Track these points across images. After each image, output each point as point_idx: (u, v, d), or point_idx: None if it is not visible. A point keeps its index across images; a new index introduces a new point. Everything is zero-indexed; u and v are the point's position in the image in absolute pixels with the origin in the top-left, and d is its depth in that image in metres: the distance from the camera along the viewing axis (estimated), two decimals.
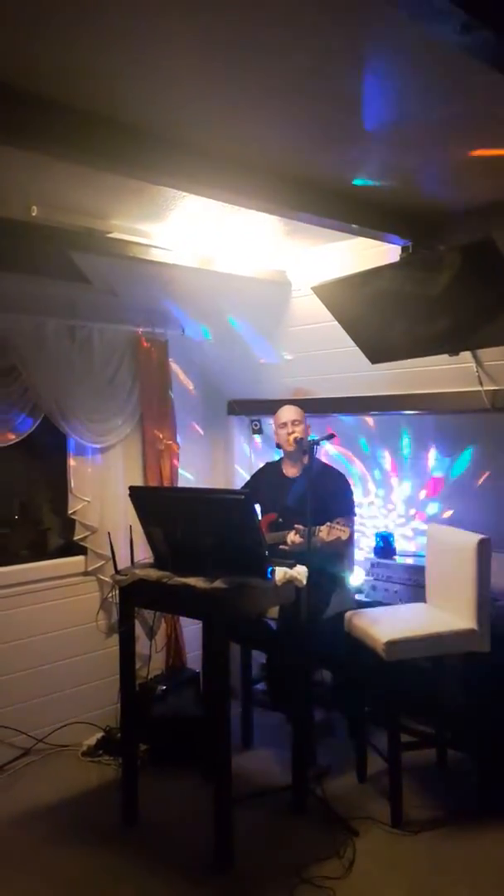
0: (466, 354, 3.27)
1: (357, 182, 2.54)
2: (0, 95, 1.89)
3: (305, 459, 3.58)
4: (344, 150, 2.30)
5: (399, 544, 4.03)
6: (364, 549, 4.13)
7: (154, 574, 2.94)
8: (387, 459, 4.13)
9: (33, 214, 2.81)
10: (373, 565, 3.91)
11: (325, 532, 3.27)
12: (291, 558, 3.10)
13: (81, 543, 3.93)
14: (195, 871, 2.78)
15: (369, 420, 4.16)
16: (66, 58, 1.74)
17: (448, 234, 2.87)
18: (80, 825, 3.12)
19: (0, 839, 3.04)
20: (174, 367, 4.35)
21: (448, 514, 3.86)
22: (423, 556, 3.63)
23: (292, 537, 3.38)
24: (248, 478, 4.17)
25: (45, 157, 2.20)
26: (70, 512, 3.89)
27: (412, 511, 4.06)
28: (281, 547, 3.41)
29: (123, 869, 2.82)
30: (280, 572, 2.90)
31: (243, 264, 3.63)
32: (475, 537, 3.14)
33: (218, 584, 2.74)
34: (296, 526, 3.39)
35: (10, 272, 3.51)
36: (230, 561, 2.84)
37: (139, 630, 3.38)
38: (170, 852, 2.91)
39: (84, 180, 2.57)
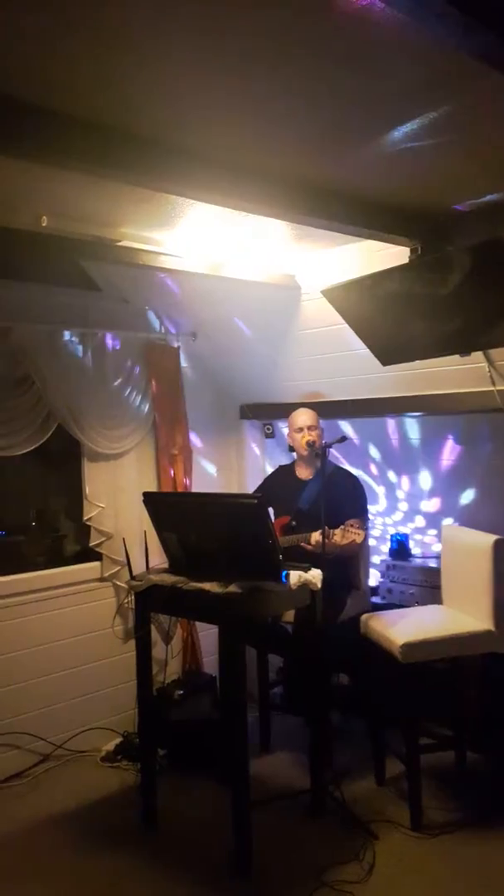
0: (478, 354, 3.25)
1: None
2: (7, 107, 1.91)
3: (318, 462, 3.58)
4: (350, 154, 2.31)
5: (414, 546, 4.02)
6: (379, 551, 4.12)
7: (169, 579, 2.95)
8: (400, 460, 4.12)
9: (43, 224, 2.83)
10: (388, 567, 3.90)
11: (339, 535, 3.27)
12: (306, 562, 3.10)
13: (97, 550, 3.95)
14: (215, 875, 2.78)
15: (382, 422, 4.15)
16: (73, 69, 1.76)
17: (457, 235, 2.86)
18: (100, 830, 3.13)
19: (20, 845, 3.06)
20: (186, 372, 4.37)
21: (463, 514, 3.85)
22: (438, 558, 3.62)
23: (316, 537, 3.37)
24: (261, 482, 4.18)
25: (53, 167, 2.22)
26: (85, 518, 3.92)
27: (427, 512, 4.04)
28: (306, 546, 3.40)
29: (143, 873, 2.83)
30: (295, 576, 2.91)
31: (253, 269, 3.64)
32: (491, 538, 3.13)
33: (232, 588, 2.75)
34: (324, 528, 3.37)
35: (22, 281, 3.54)
36: (245, 565, 2.85)
37: (155, 635, 3.40)
38: (189, 856, 2.92)
39: (93, 189, 2.59)
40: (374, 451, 4.24)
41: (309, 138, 2.18)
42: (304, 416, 3.75)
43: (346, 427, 4.28)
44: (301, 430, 3.72)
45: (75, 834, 3.12)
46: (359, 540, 3.29)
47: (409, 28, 1.50)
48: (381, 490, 4.23)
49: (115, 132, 2.09)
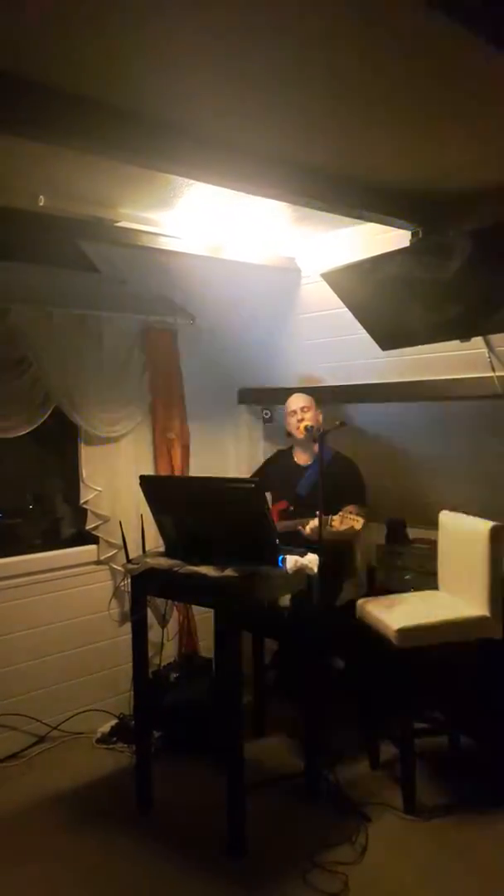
0: (478, 340, 3.23)
1: None
2: (5, 85, 1.88)
3: (316, 448, 3.57)
4: (351, 135, 2.27)
5: (411, 531, 4.02)
6: (376, 535, 4.12)
7: (165, 563, 2.95)
8: (398, 446, 4.11)
9: (40, 204, 2.80)
10: (385, 552, 3.90)
11: (338, 522, 3.26)
12: (303, 546, 3.10)
13: (94, 532, 3.95)
14: (209, 856, 2.80)
15: (381, 407, 4.13)
16: (73, 47, 1.72)
17: (458, 219, 2.83)
18: (95, 811, 3.15)
19: (15, 825, 3.08)
20: (184, 355, 4.34)
21: (461, 500, 3.84)
22: (435, 544, 3.61)
23: (312, 524, 3.36)
24: (258, 466, 4.17)
25: (51, 146, 2.19)
26: (82, 501, 3.91)
27: (425, 498, 4.03)
28: (300, 528, 3.39)
29: (137, 855, 2.85)
30: (291, 560, 2.90)
31: (252, 252, 3.61)
32: (487, 524, 3.13)
33: (229, 572, 2.75)
34: (318, 513, 3.37)
35: (20, 262, 3.51)
36: (241, 549, 2.84)
37: (152, 618, 3.40)
38: (183, 838, 2.94)
39: (91, 168, 2.55)
40: (372, 437, 4.22)
41: (310, 118, 2.15)
42: (299, 399, 3.74)
43: (343, 412, 4.25)
44: (295, 412, 3.71)
45: (70, 815, 3.14)
46: (357, 527, 3.28)
47: (411, 6, 1.47)
48: (378, 474, 4.21)
49: (113, 110, 2.06)
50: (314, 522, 3.35)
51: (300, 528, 3.41)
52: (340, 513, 3.28)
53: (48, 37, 1.68)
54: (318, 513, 3.28)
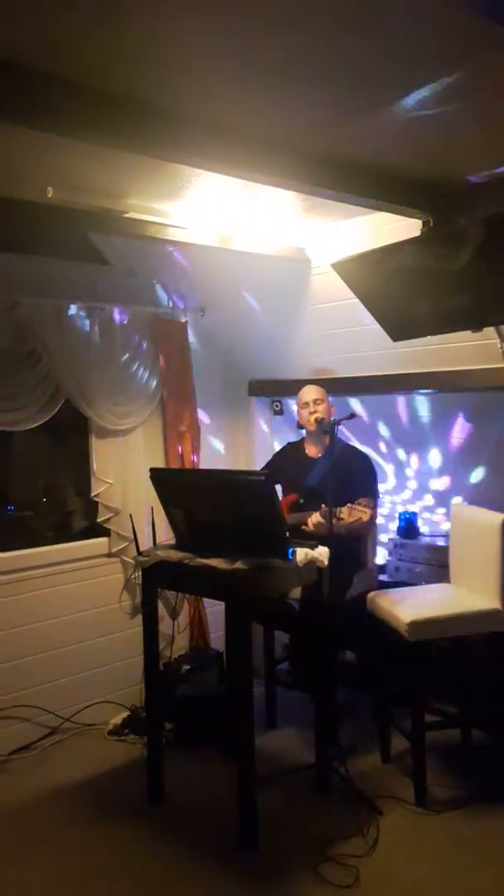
0: (490, 331, 3.20)
1: None
2: (14, 75, 1.87)
3: (327, 440, 3.55)
4: (362, 123, 2.25)
5: (423, 524, 3.99)
6: (388, 529, 4.10)
7: (175, 555, 2.95)
8: (410, 438, 4.08)
9: (49, 196, 2.79)
10: (396, 545, 3.88)
11: (346, 513, 3.25)
12: (314, 539, 3.09)
13: (105, 525, 3.95)
14: (220, 848, 2.80)
15: (392, 398, 4.11)
16: (80, 36, 1.71)
17: (469, 208, 2.80)
18: (106, 803, 3.17)
19: (27, 817, 3.09)
20: (194, 347, 4.33)
21: (473, 493, 3.82)
22: (447, 536, 3.59)
23: (314, 519, 3.36)
24: (269, 458, 4.16)
25: (59, 136, 2.18)
26: (93, 494, 3.91)
27: (436, 490, 4.01)
28: (303, 527, 3.39)
29: (149, 846, 2.86)
30: (301, 553, 2.89)
31: (262, 242, 3.59)
32: (499, 516, 3.10)
33: (239, 565, 2.74)
34: (321, 507, 3.37)
35: (30, 255, 3.50)
36: (251, 542, 2.83)
37: (162, 610, 3.40)
38: (195, 830, 2.94)
39: (99, 159, 2.54)
40: (383, 429, 4.20)
41: (320, 106, 2.13)
42: (311, 391, 3.72)
43: (355, 404, 4.24)
44: (308, 404, 3.69)
45: (82, 806, 3.15)
46: (365, 518, 3.27)
47: None
48: (390, 468, 4.20)
49: (122, 100, 2.05)
50: (316, 516, 3.35)
51: (303, 526, 3.39)
52: (349, 504, 3.27)
53: (56, 27, 1.67)
54: (321, 506, 3.28)
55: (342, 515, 3.24)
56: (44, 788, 3.29)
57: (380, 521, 4.01)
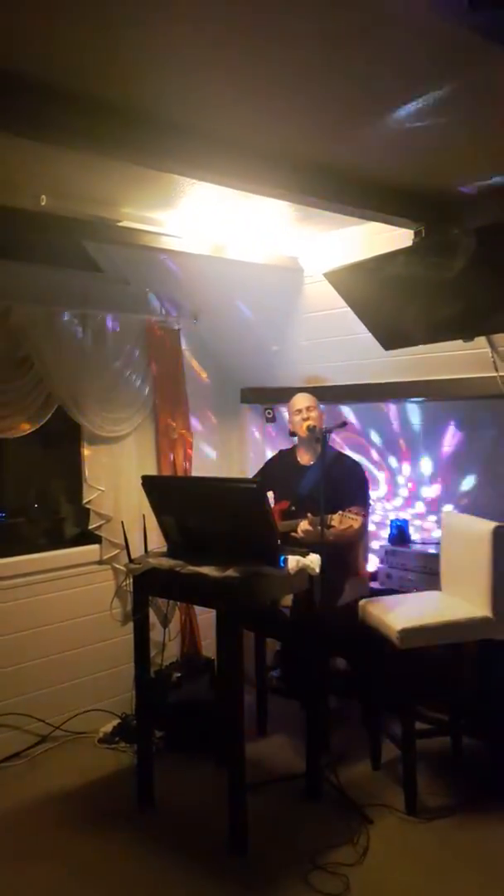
0: (481, 340, 3.23)
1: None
2: (9, 85, 1.88)
3: (319, 447, 3.56)
4: (354, 134, 2.27)
5: (414, 532, 4.01)
6: (379, 536, 4.11)
7: (167, 563, 2.95)
8: (401, 446, 4.10)
9: (42, 204, 2.80)
10: (387, 553, 3.89)
11: (337, 520, 3.26)
12: (304, 546, 3.09)
13: (96, 532, 3.95)
14: (210, 856, 2.80)
15: (383, 407, 4.13)
16: (75, 46, 1.72)
17: (461, 218, 2.83)
18: (97, 811, 3.15)
19: (17, 824, 3.08)
20: (187, 355, 4.34)
21: (463, 501, 3.84)
22: (437, 544, 3.61)
23: (303, 526, 3.37)
24: (261, 466, 4.16)
25: (53, 145, 2.19)
26: (85, 501, 3.91)
27: (427, 498, 4.03)
28: (292, 534, 3.40)
29: (139, 854, 2.85)
30: (293, 561, 2.90)
31: (255, 251, 3.61)
32: (490, 525, 3.12)
33: (230, 572, 2.74)
34: (308, 515, 3.38)
35: (23, 262, 3.51)
36: (243, 549, 2.84)
37: (154, 618, 3.40)
38: (185, 838, 2.93)
39: (93, 168, 2.56)
40: (375, 437, 4.22)
41: (313, 117, 2.15)
42: (303, 399, 3.74)
43: (347, 412, 4.25)
44: (299, 411, 3.70)
45: (72, 814, 3.14)
46: (356, 525, 3.28)
47: (416, 4, 1.47)
48: (381, 476, 4.21)
49: (115, 109, 2.06)
50: (304, 524, 3.36)
51: (292, 533, 3.40)
52: (340, 512, 3.28)
53: (50, 36, 1.68)
54: (308, 514, 3.29)
55: (333, 523, 3.25)
56: (34, 796, 3.27)
57: (371, 528, 4.02)
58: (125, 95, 2.01)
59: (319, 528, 3.16)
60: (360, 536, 3.66)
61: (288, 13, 1.56)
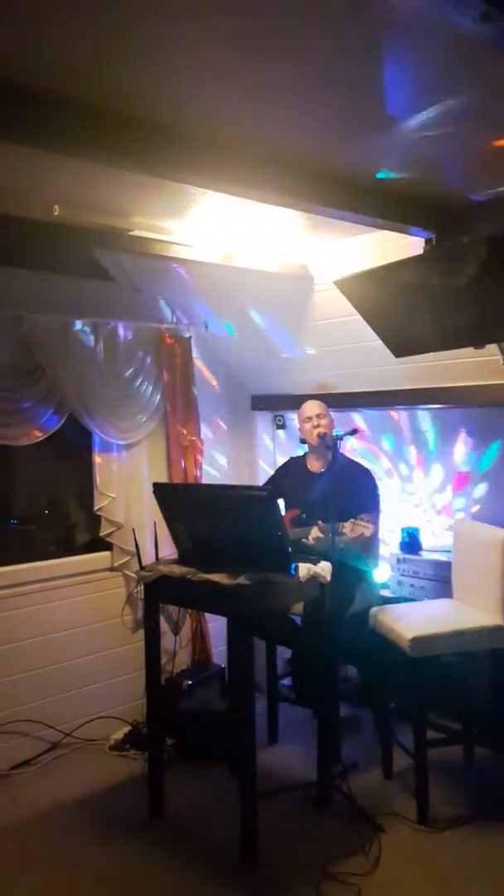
0: (492, 347, 3.22)
1: (380, 175, 2.52)
2: (20, 95, 1.89)
3: (330, 455, 3.56)
4: (366, 143, 2.27)
5: (425, 540, 3.99)
6: (390, 544, 4.10)
7: (178, 570, 2.95)
8: (412, 454, 4.10)
9: (55, 214, 2.82)
10: (399, 561, 3.88)
11: (349, 528, 3.26)
12: (315, 554, 3.09)
13: (107, 539, 3.96)
14: (221, 864, 2.79)
15: (394, 414, 4.13)
16: (86, 57, 1.74)
17: (472, 226, 2.83)
18: (107, 818, 3.15)
19: (28, 831, 3.08)
20: (198, 363, 4.36)
21: (475, 508, 3.82)
22: (449, 552, 3.59)
23: (314, 534, 3.37)
24: (271, 473, 4.16)
25: (65, 156, 2.21)
26: (96, 508, 3.92)
27: (439, 506, 4.02)
28: (304, 540, 3.40)
29: (150, 862, 2.84)
30: (304, 568, 2.90)
31: (265, 259, 3.62)
32: (502, 532, 3.11)
33: (241, 580, 2.74)
34: (318, 522, 3.37)
35: (35, 271, 3.53)
36: (254, 557, 2.84)
37: (164, 625, 3.40)
38: (196, 846, 2.93)
39: (105, 178, 2.57)
40: (385, 444, 4.21)
41: (323, 126, 2.15)
42: (313, 406, 3.74)
43: (358, 419, 4.25)
44: (310, 419, 3.71)
45: (82, 821, 3.14)
46: (367, 533, 3.27)
47: (428, 14, 1.47)
48: (392, 483, 4.21)
49: (126, 120, 2.08)
50: (315, 531, 3.36)
51: (304, 540, 3.40)
52: (352, 520, 3.28)
53: (64, 47, 1.70)
54: (319, 522, 3.29)
55: (345, 531, 3.25)
56: (45, 804, 3.27)
57: (382, 535, 4.01)
58: (137, 106, 2.02)
59: (331, 535, 3.16)
60: (370, 544, 3.65)
61: (300, 23, 1.57)
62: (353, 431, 3.52)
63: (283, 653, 3.94)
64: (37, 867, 2.84)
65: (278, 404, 4.58)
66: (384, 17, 1.55)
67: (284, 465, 4.08)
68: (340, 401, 4.03)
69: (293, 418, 4.42)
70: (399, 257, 2.91)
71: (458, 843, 2.90)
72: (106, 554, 3.99)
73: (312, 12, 1.53)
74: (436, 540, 4.01)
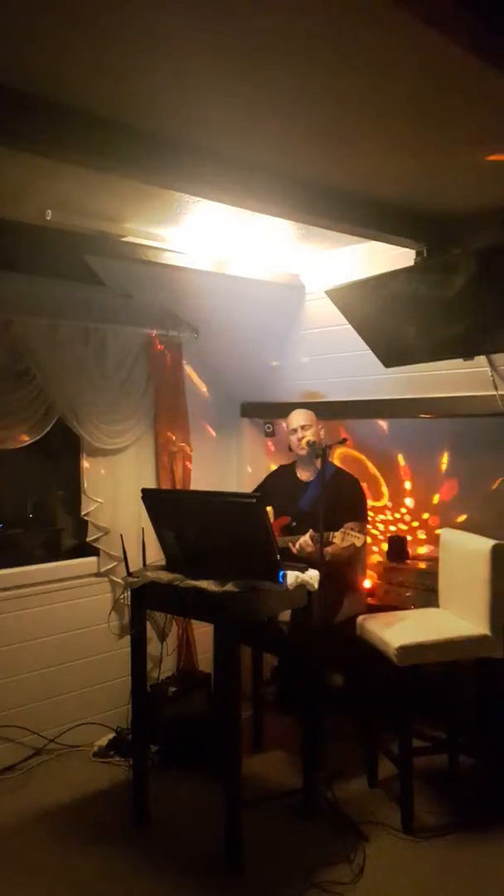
0: (481, 358, 3.24)
1: None
2: (15, 101, 1.90)
3: (318, 463, 3.57)
4: (359, 155, 2.30)
5: (412, 548, 4.01)
6: (377, 552, 4.12)
7: (165, 576, 2.95)
8: (400, 463, 4.12)
9: (48, 218, 2.82)
10: (385, 569, 3.89)
11: (339, 538, 3.27)
12: (303, 562, 3.10)
13: (94, 545, 3.95)
14: (204, 872, 2.78)
15: (383, 424, 4.15)
16: (82, 64, 1.75)
17: (463, 238, 2.86)
18: (91, 825, 3.13)
19: (11, 838, 3.06)
20: (187, 369, 4.36)
21: (462, 518, 3.85)
22: (436, 561, 3.61)
23: (302, 543, 3.37)
24: (260, 481, 4.17)
25: (60, 162, 2.22)
26: (83, 513, 3.91)
27: (425, 515, 4.04)
28: (290, 545, 3.40)
29: (133, 869, 2.83)
30: (292, 576, 2.90)
31: (257, 268, 3.63)
32: (489, 542, 3.13)
33: (229, 587, 2.75)
34: (311, 532, 3.37)
35: (25, 274, 3.53)
36: (242, 564, 2.84)
37: (151, 632, 3.39)
38: (179, 854, 2.92)
39: (98, 184, 2.58)
40: (373, 453, 4.23)
41: (316, 137, 2.17)
42: (299, 416, 3.75)
43: (346, 428, 4.27)
44: (296, 430, 3.72)
45: (66, 828, 3.12)
46: (358, 544, 3.29)
47: (420, 29, 1.49)
48: (379, 492, 4.22)
49: (121, 128, 2.09)
50: (303, 540, 3.36)
51: (290, 544, 3.41)
52: (342, 529, 3.29)
53: (57, 54, 1.70)
54: (311, 530, 3.29)
55: (335, 540, 3.26)
56: (27, 810, 3.25)
57: (369, 542, 4.03)
58: (131, 113, 2.03)
59: (321, 544, 3.17)
60: (357, 553, 3.66)
61: (291, 35, 1.59)
62: (343, 441, 3.54)
63: (270, 660, 3.94)
64: (18, 874, 2.82)
65: (268, 412, 4.59)
66: (378, 32, 1.57)
67: (273, 473, 4.09)
68: (330, 409, 4.05)
69: (283, 425, 4.43)
70: (390, 268, 2.94)
71: (443, 851, 2.91)
72: (92, 559, 3.98)
73: (311, 24, 1.55)
74: (422, 549, 4.03)
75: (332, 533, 3.25)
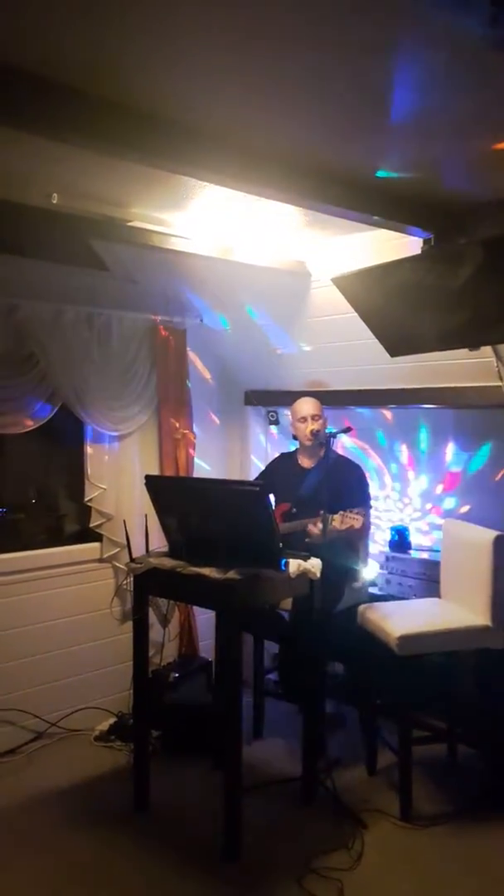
0: (487, 349, 3.23)
1: (380, 174, 2.52)
2: (23, 84, 1.88)
3: (322, 452, 3.56)
4: (367, 142, 2.28)
5: (414, 539, 4.01)
6: (379, 542, 4.11)
7: (168, 563, 2.95)
8: (404, 453, 4.11)
9: (54, 202, 2.81)
10: (387, 559, 3.90)
11: (338, 521, 3.26)
12: (306, 550, 3.10)
13: (97, 530, 3.95)
14: (204, 858, 2.80)
15: (387, 413, 4.14)
16: (89, 47, 1.73)
17: (470, 228, 2.83)
18: (91, 809, 3.16)
19: (11, 821, 3.08)
20: (192, 356, 4.35)
21: (465, 509, 3.84)
22: (438, 551, 3.61)
23: (313, 528, 3.36)
24: (263, 468, 4.17)
25: (66, 145, 2.20)
26: (86, 499, 3.91)
27: (428, 506, 4.03)
28: (307, 540, 3.39)
29: (133, 854, 2.85)
30: (294, 564, 2.91)
31: (263, 254, 3.61)
32: (491, 533, 3.13)
33: (231, 574, 2.75)
34: (320, 513, 3.36)
35: (31, 259, 3.51)
36: (244, 552, 2.84)
37: (153, 618, 3.40)
38: (179, 839, 2.93)
39: (105, 169, 2.56)
40: (377, 443, 4.22)
41: (324, 123, 2.15)
42: (307, 406, 3.73)
43: (350, 417, 4.26)
44: (304, 419, 3.70)
45: (66, 812, 3.14)
46: (357, 525, 3.27)
47: (433, 14, 1.47)
48: (382, 481, 4.22)
49: (128, 111, 2.07)
50: (315, 524, 3.36)
51: (310, 527, 3.39)
52: (341, 512, 3.28)
53: (67, 38, 1.69)
54: (321, 512, 3.28)
55: (334, 524, 3.25)
56: (28, 794, 3.27)
57: (372, 531, 4.02)
58: (139, 97, 2.02)
59: (325, 528, 3.16)
60: (362, 536, 3.66)
61: (301, 19, 1.57)
62: (347, 429, 3.52)
63: (271, 647, 3.95)
64: (19, 857, 2.84)
65: (272, 400, 4.58)
66: (390, 19, 1.55)
67: (275, 460, 4.08)
68: (334, 398, 4.03)
69: (286, 414, 4.42)
70: (397, 256, 2.92)
71: (440, 839, 2.92)
72: (95, 545, 3.99)
73: (317, 9, 1.53)
74: (425, 539, 4.03)
75: (331, 516, 3.24)
